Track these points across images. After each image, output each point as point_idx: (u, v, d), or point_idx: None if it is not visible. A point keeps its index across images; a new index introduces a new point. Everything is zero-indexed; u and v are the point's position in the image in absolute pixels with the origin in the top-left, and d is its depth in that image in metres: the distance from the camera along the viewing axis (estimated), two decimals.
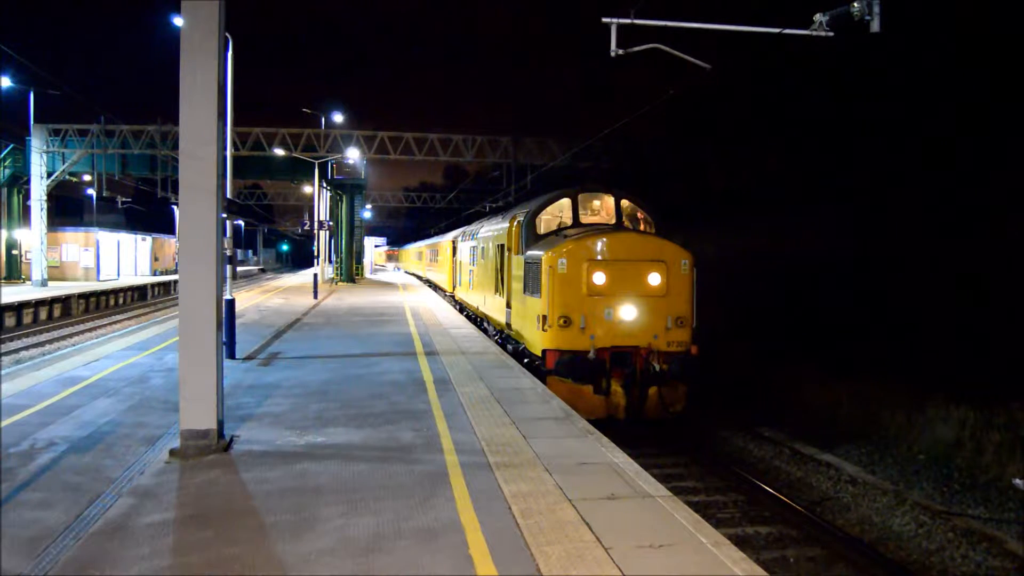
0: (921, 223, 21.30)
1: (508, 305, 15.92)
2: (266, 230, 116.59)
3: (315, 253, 39.26)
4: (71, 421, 8.79)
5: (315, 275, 32.70)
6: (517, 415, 9.15)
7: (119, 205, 50.60)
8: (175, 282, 44.11)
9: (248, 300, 28.95)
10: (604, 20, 12.30)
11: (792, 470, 12.11)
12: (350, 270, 46.14)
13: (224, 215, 8.56)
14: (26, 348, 23.79)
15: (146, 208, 61.76)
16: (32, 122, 37.44)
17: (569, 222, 15.01)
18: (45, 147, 37.77)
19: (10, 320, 28.08)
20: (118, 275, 48.98)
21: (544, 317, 12.74)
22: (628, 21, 12.18)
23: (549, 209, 15.20)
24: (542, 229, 15.03)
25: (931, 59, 22.62)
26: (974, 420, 12.87)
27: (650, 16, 12.16)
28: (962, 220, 20.13)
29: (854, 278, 21.85)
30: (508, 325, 15.87)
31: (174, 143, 34.71)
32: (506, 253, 16.35)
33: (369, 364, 13.07)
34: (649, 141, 37.84)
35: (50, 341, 25.39)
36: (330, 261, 47.42)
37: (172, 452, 7.39)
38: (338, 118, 39.87)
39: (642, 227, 14.64)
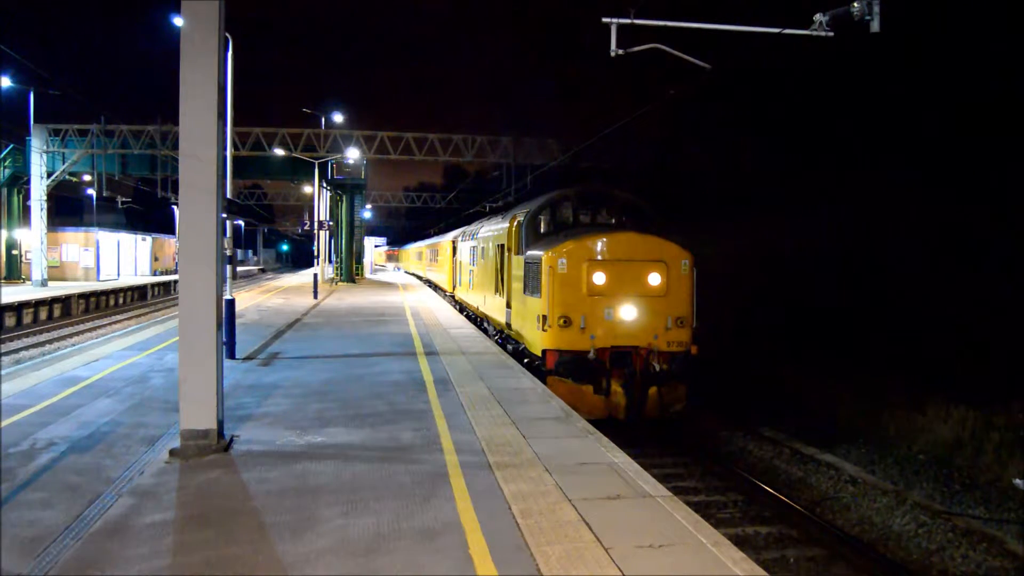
0: (921, 223, 21.29)
1: (508, 305, 15.92)
2: (266, 230, 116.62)
3: (315, 253, 39.26)
4: (71, 421, 8.79)
5: (315, 275, 32.70)
6: (517, 415, 9.15)
7: (119, 205, 50.58)
8: (175, 282, 44.11)
9: (248, 300, 28.95)
10: (604, 20, 12.31)
11: (792, 470, 12.12)
12: (350, 270, 46.14)
13: (224, 215, 8.56)
14: (26, 348, 23.79)
15: (146, 208, 61.74)
16: (32, 122, 37.45)
17: (569, 222, 15.02)
18: (45, 147, 37.77)
19: (10, 320, 28.08)
20: (118, 275, 48.99)
21: (544, 317, 12.74)
22: (628, 21, 12.18)
23: (549, 209, 15.21)
24: (542, 229, 15.04)
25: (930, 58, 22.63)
26: (974, 420, 12.88)
27: (650, 16, 12.16)
28: (963, 219, 20.13)
29: (854, 278, 21.84)
30: (508, 325, 15.87)
31: (174, 143, 34.71)
32: (506, 253, 16.36)
33: (369, 364, 13.07)
34: (650, 141, 37.87)
35: (50, 341, 25.39)
36: (330, 261, 47.42)
37: (172, 452, 7.39)
38: (338, 118, 39.94)
39: (642, 227, 14.63)
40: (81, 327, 29.44)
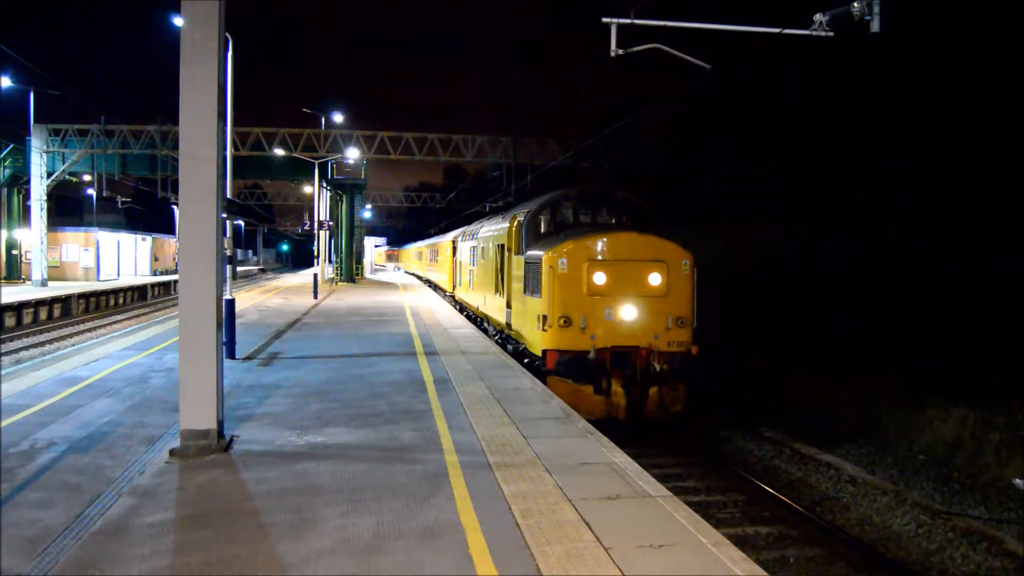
0: (921, 222, 21.30)
1: (508, 305, 15.91)
2: (266, 230, 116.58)
3: (315, 253, 39.26)
4: (71, 421, 8.79)
5: (315, 275, 32.70)
6: (517, 415, 9.15)
7: (119, 205, 50.59)
8: (175, 282, 44.11)
9: (248, 300, 28.95)
10: (604, 20, 12.30)
11: (792, 470, 12.12)
12: (350, 270, 46.13)
13: (224, 215, 8.56)
14: (26, 348, 23.79)
15: (146, 208, 61.77)
16: (32, 122, 37.43)
17: (569, 222, 15.02)
18: (45, 147, 37.76)
19: (10, 320, 28.08)
20: (118, 275, 48.97)
21: (544, 317, 12.74)
22: (628, 21, 12.17)
23: (549, 209, 15.20)
24: (542, 229, 15.03)
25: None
26: (974, 420, 12.88)
27: (650, 16, 12.16)
28: (962, 219, 20.14)
29: (854, 278, 21.84)
30: (508, 325, 15.86)
31: (174, 143, 34.71)
32: (506, 253, 16.35)
33: (369, 364, 13.07)
34: (650, 141, 37.89)
35: (50, 341, 25.38)
36: (330, 261, 47.41)
37: (172, 452, 7.39)
38: (338, 118, 39.93)
39: (642, 227, 14.62)
40: (81, 327, 29.43)
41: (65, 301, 32.84)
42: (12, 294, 30.90)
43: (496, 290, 17.56)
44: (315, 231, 41.01)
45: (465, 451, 7.56)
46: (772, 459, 12.72)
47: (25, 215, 40.83)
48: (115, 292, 39.26)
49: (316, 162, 37.92)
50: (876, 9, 10.50)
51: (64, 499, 6.20)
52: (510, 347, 15.57)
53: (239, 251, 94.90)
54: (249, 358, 13.73)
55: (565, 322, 12.57)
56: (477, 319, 21.34)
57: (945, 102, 22.29)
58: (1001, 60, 20.48)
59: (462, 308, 25.37)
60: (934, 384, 14.48)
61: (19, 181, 40.90)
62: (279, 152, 37.17)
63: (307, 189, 52.50)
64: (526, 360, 13.77)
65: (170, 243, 59.78)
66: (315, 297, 29.85)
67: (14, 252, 42.23)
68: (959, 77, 21.92)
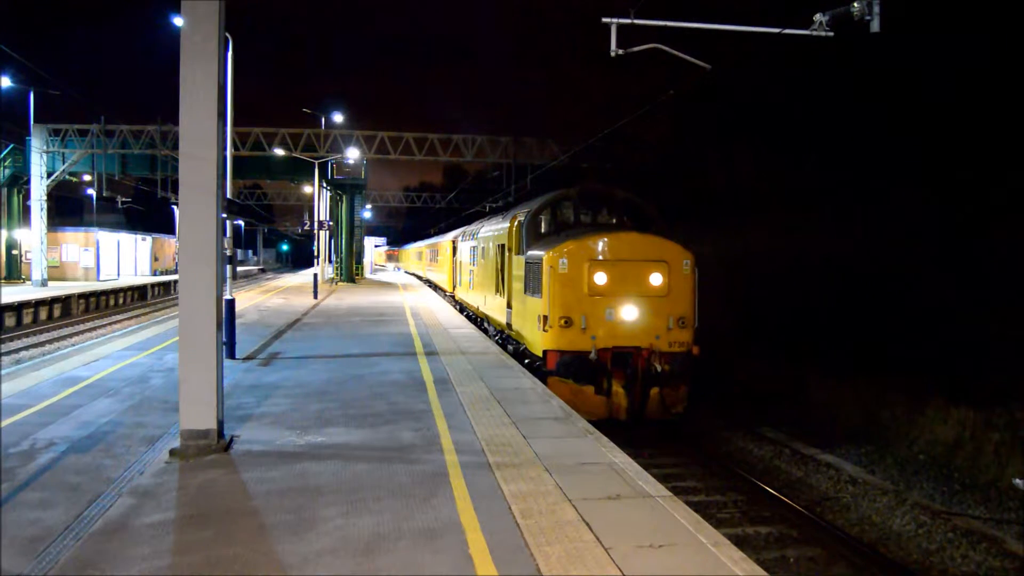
0: (922, 222, 21.29)
1: (509, 305, 15.91)
2: (266, 230, 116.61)
3: (315, 253, 39.26)
4: (71, 421, 8.79)
5: (315, 275, 32.70)
6: (517, 415, 9.15)
7: (119, 205, 50.60)
8: (175, 282, 44.10)
9: (248, 300, 28.95)
10: (604, 20, 12.31)
11: (792, 470, 12.12)
12: (350, 270, 46.14)
13: (224, 215, 8.56)
14: (26, 348, 23.79)
15: (146, 208, 61.76)
16: (32, 122, 37.46)
17: (570, 222, 15.01)
18: (45, 147, 37.77)
19: (10, 320, 28.08)
20: (118, 275, 48.98)
21: (545, 317, 12.73)
22: (628, 21, 12.18)
23: (550, 209, 15.20)
24: (543, 229, 15.02)
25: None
26: (974, 420, 12.88)
27: (650, 16, 12.16)
28: (964, 219, 20.12)
29: (854, 278, 21.83)
30: (509, 325, 15.86)
31: (174, 143, 34.72)
32: (506, 253, 16.35)
33: (369, 364, 13.07)
34: (650, 141, 37.91)
35: (50, 341, 25.39)
36: (330, 261, 47.41)
37: (172, 452, 7.39)
38: (338, 118, 39.94)
39: (643, 227, 14.62)
40: (81, 327, 29.43)
41: (65, 301, 32.84)
42: (12, 294, 30.90)
43: (496, 290, 17.56)
44: (315, 231, 40.99)
45: (465, 451, 7.56)
46: (772, 459, 12.72)
47: (25, 215, 40.84)
48: (115, 292, 39.26)
49: (316, 162, 37.92)
50: (876, 9, 10.50)
51: (64, 499, 6.20)
52: (510, 347, 15.57)
53: (239, 251, 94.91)
54: (249, 358, 13.73)
55: (566, 322, 12.56)
56: (477, 319, 21.34)
57: (945, 102, 22.26)
58: (1001, 60, 20.47)
59: (462, 308, 25.37)
60: (934, 384, 14.47)
61: (19, 181, 40.92)
62: (279, 152, 37.18)
63: (307, 189, 52.50)
64: (527, 360, 13.76)
65: (170, 243, 59.78)
66: (315, 297, 29.86)
67: (14, 252, 42.24)
68: (959, 77, 21.90)
